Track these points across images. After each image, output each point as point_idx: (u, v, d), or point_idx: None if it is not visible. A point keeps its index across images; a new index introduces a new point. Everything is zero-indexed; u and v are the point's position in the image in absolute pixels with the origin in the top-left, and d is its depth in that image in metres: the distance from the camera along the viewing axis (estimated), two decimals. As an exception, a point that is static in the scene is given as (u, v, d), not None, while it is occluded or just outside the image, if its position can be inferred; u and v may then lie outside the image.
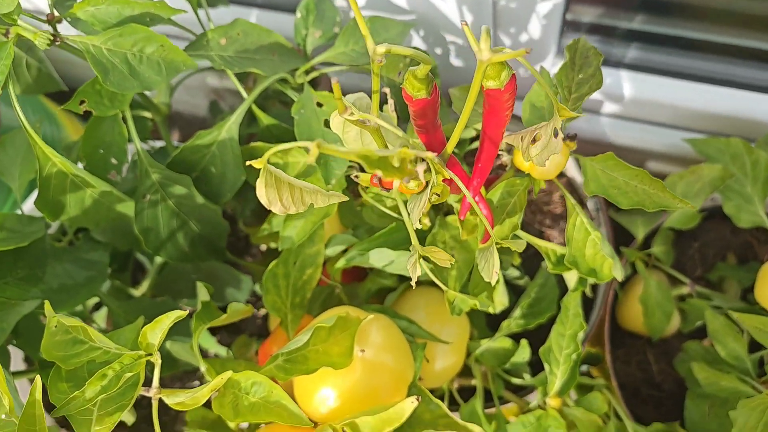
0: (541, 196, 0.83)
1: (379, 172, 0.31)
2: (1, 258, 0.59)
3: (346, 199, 0.41)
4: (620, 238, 0.83)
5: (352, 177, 0.55)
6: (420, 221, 0.61)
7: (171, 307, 0.70)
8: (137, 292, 0.80)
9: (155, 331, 0.45)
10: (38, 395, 0.42)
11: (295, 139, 0.61)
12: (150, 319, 0.68)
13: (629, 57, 0.81)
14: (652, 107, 0.84)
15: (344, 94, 0.45)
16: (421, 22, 0.73)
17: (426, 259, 0.59)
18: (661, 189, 0.51)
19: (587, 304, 0.81)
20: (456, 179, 0.42)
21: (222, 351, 0.83)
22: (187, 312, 0.45)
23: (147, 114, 0.71)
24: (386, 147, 0.45)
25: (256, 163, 0.34)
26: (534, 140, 0.43)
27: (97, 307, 0.84)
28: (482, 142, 0.50)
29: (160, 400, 0.47)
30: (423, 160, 0.36)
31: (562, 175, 0.84)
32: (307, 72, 0.66)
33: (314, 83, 0.71)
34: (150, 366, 0.47)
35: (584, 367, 0.85)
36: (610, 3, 0.79)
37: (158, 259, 0.79)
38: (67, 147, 0.76)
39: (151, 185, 0.62)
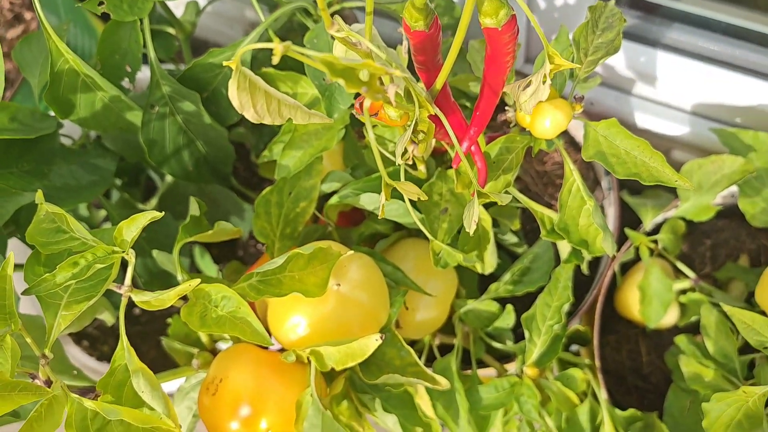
0: (555, 168, 0.82)
1: (341, 81, 0.30)
2: (10, 148, 0.61)
3: (329, 120, 0.41)
4: (631, 223, 0.81)
5: (353, 111, 0.55)
6: (416, 168, 0.60)
7: (170, 224, 0.72)
8: (145, 208, 0.81)
9: (130, 228, 0.46)
10: (9, 270, 0.43)
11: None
12: (148, 233, 0.70)
13: (668, 37, 0.78)
14: (684, 93, 0.81)
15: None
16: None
17: (415, 207, 0.59)
18: (661, 162, 0.50)
19: (585, 283, 0.80)
20: (441, 116, 0.42)
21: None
22: (162, 214, 0.45)
23: (171, 30, 0.71)
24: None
25: (228, 63, 0.34)
26: (527, 86, 0.42)
27: (107, 218, 0.86)
28: (482, 89, 0.49)
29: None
30: (401, 85, 0.36)
31: (571, 141, 0.82)
32: (329, 4, 0.66)
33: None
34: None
35: (574, 347, 0.84)
36: (658, -21, 0.76)
37: (168, 178, 0.80)
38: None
39: (160, 97, 0.63)
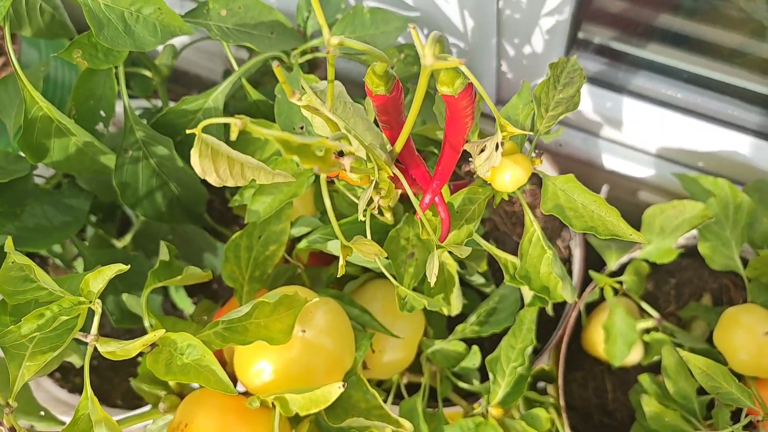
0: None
1: (296, 158, 0.32)
2: (-18, 191, 0.62)
3: (292, 179, 0.42)
4: (596, 264, 0.83)
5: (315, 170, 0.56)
6: (383, 215, 0.62)
7: (142, 263, 0.73)
8: (119, 244, 0.82)
9: (97, 280, 0.47)
10: (-25, 322, 0.44)
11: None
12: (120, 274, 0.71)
13: (634, 84, 0.81)
14: (649, 137, 0.84)
15: (340, 79, 0.46)
16: (423, 20, 0.73)
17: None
18: (616, 217, 0.51)
19: (553, 320, 0.82)
20: (400, 176, 0.43)
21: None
22: (128, 267, 0.46)
23: (148, 73, 0.73)
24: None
25: (191, 131, 0.35)
26: (482, 151, 0.43)
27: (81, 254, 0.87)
28: (443, 146, 0.51)
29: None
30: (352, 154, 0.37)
31: (539, 183, 0.84)
32: (303, 53, 0.67)
33: (311, 66, 0.73)
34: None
35: (542, 384, 0.86)
36: (624, 28, 0.79)
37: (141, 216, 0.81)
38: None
39: (134, 141, 0.64)
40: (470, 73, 0.37)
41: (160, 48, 0.76)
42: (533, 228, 0.57)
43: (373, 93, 0.44)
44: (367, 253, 0.42)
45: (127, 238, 0.82)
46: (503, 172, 0.53)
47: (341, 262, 0.42)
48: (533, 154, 0.56)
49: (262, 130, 0.32)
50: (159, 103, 0.83)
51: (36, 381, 0.92)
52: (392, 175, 0.44)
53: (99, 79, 0.63)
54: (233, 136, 0.32)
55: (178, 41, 0.79)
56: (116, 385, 0.92)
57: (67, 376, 0.93)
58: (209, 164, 0.38)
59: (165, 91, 0.74)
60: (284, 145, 0.32)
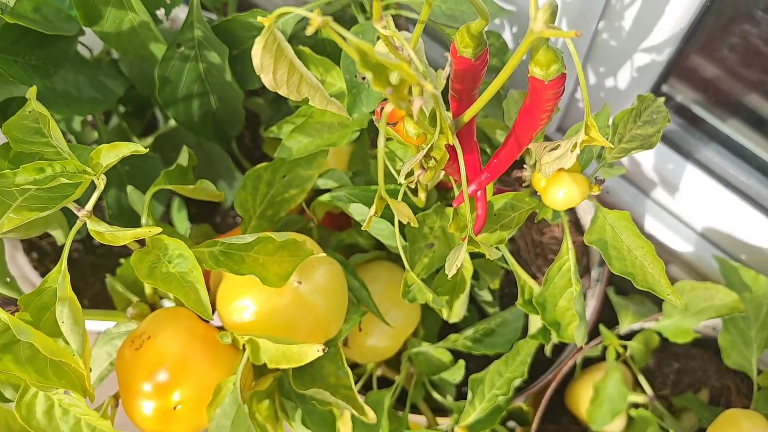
0: (552, 242, 0.80)
1: (369, 75, 0.28)
2: (23, 38, 0.59)
3: (347, 115, 0.39)
4: (607, 322, 0.79)
5: (374, 120, 0.53)
6: (416, 195, 0.58)
7: (156, 165, 0.69)
8: (139, 142, 0.79)
9: (109, 154, 0.43)
10: (-29, 154, 0.41)
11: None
12: (132, 168, 0.67)
13: (702, 154, 0.77)
14: (699, 213, 0.79)
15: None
16: (516, 18, 0.70)
17: (402, 233, 0.57)
18: (660, 271, 0.48)
19: (543, 364, 0.78)
20: (458, 150, 0.39)
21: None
22: (147, 150, 0.43)
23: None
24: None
25: (263, 19, 0.32)
26: (554, 149, 0.40)
27: (98, 141, 0.84)
28: (508, 137, 0.47)
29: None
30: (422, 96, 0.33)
31: (575, 221, 0.81)
32: (386, 7, 0.64)
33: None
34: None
35: (512, 424, 0.82)
36: (710, 95, 0.75)
37: (171, 122, 0.78)
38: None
39: (190, 39, 0.60)
40: (578, 59, 0.33)
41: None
42: (567, 257, 0.53)
43: (458, 53, 0.41)
44: (401, 213, 0.38)
45: (149, 140, 0.78)
46: (559, 187, 0.49)
47: (372, 213, 0.39)
48: (592, 181, 0.52)
49: (346, 33, 0.28)
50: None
51: (12, 254, 0.89)
52: (451, 144, 0.40)
53: (176, -37, 0.60)
54: (310, 30, 0.29)
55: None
56: (89, 284, 0.89)
57: (43, 260, 0.90)
58: (270, 61, 0.34)
59: (235, 4, 0.71)
60: (362, 56, 0.28)
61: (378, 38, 0.58)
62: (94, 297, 0.88)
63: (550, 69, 0.38)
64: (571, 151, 0.37)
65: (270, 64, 0.34)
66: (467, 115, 0.41)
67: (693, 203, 0.79)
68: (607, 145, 0.38)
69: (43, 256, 0.90)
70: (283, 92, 0.36)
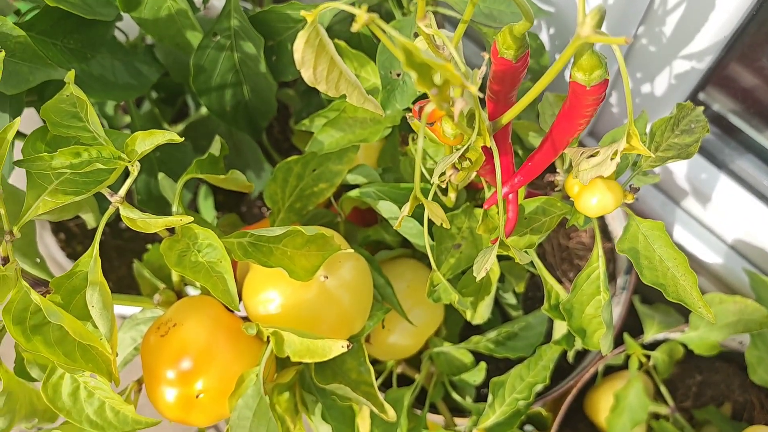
0: (578, 247, 0.79)
1: (413, 75, 0.28)
2: (62, 21, 0.59)
3: (382, 113, 0.38)
4: (631, 330, 0.78)
5: (407, 117, 0.52)
6: (446, 194, 0.58)
7: (187, 153, 0.70)
8: (170, 129, 0.79)
9: (145, 142, 0.43)
10: (10, 135, 0.41)
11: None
12: (163, 154, 0.68)
13: (737, 165, 0.75)
14: (731, 224, 0.78)
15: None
16: (554, 19, 0.69)
17: (430, 232, 0.57)
18: (692, 283, 0.47)
19: (565, 370, 0.77)
20: (495, 152, 0.39)
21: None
22: (182, 139, 0.43)
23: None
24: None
25: (306, 14, 0.32)
26: (592, 156, 0.39)
27: (129, 126, 0.84)
28: (544, 141, 0.47)
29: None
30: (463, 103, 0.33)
31: (603, 228, 0.80)
32: (426, 3, 0.63)
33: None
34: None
35: (529, 428, 0.81)
36: (748, 105, 0.73)
37: (203, 110, 0.78)
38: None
39: (226, 28, 0.61)
40: (624, 66, 0.33)
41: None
42: (597, 264, 0.53)
43: (499, 54, 0.40)
44: (434, 214, 0.38)
45: (179, 127, 0.79)
46: (592, 194, 0.49)
47: (405, 212, 0.38)
48: (627, 188, 0.51)
49: (391, 31, 0.28)
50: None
51: (40, 234, 0.90)
52: (488, 146, 0.39)
53: (216, -47, 0.59)
54: (356, 27, 0.28)
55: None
56: (115, 268, 0.90)
57: (70, 241, 0.91)
58: (311, 56, 0.34)
59: (272, -3, 0.71)
60: (408, 55, 0.28)
61: (416, 35, 0.57)
62: (119, 280, 0.89)
63: (593, 74, 0.37)
64: (611, 159, 0.37)
65: (311, 59, 0.34)
66: (506, 118, 0.41)
67: (725, 214, 0.78)
68: (648, 154, 0.37)
69: (71, 237, 0.91)
70: (321, 88, 0.36)
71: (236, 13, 0.60)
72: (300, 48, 0.33)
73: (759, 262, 0.78)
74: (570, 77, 0.39)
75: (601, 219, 0.80)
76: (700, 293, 0.47)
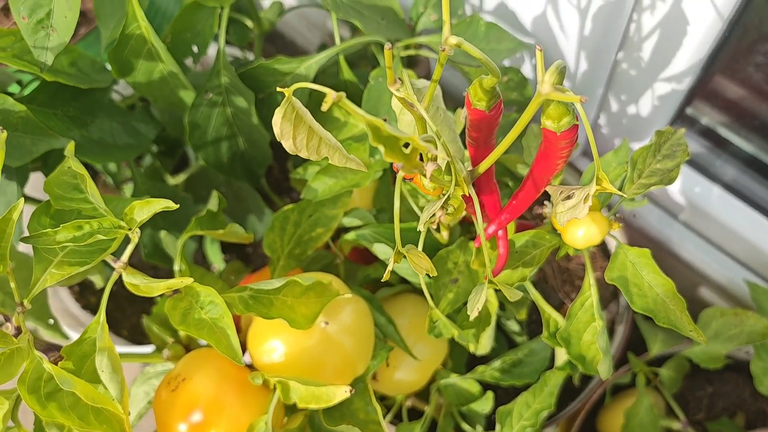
0: (579, 269, 0.80)
1: (381, 149, 0.30)
2: (61, 91, 0.62)
3: (364, 169, 0.40)
4: (637, 347, 0.78)
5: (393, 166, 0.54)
6: (440, 232, 0.59)
7: (189, 207, 0.72)
8: (172, 181, 0.82)
9: (143, 210, 0.45)
10: (15, 215, 0.43)
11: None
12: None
13: (729, 176, 0.76)
14: (729, 235, 0.79)
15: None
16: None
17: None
18: (681, 309, 0.48)
19: (574, 390, 0.78)
20: (475, 200, 0.41)
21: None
22: (177, 206, 0.45)
23: (249, 23, 0.72)
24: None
25: (282, 90, 0.34)
26: (567, 198, 0.40)
27: (132, 179, 0.87)
28: (525, 180, 0.48)
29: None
30: (436, 160, 0.35)
31: (603, 249, 0.81)
32: (406, 47, 0.65)
33: (410, 62, 0.71)
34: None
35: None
36: (736, 117, 0.75)
37: (202, 162, 0.81)
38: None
39: (217, 85, 0.63)
40: (584, 114, 0.34)
41: (267, 2, 0.75)
42: (589, 293, 0.54)
43: (473, 106, 0.42)
44: (418, 266, 0.40)
45: (181, 178, 0.81)
46: (578, 227, 0.50)
47: (390, 267, 0.40)
48: (612, 217, 0.53)
49: (357, 110, 0.30)
50: (250, 56, 0.83)
51: (54, 289, 0.92)
52: (467, 194, 0.41)
53: (202, 15, 0.62)
54: (325, 107, 0.30)
55: (288, 0, 0.78)
56: (128, 315, 0.92)
57: (84, 293, 0.93)
58: (289, 128, 0.36)
59: (261, 46, 0.73)
60: (374, 131, 0.30)
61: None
62: (133, 328, 0.91)
63: (561, 122, 0.39)
64: (584, 203, 0.38)
65: (290, 131, 0.36)
66: (482, 167, 0.42)
67: (721, 225, 0.79)
68: (619, 194, 0.39)
69: (84, 289, 0.93)
70: (303, 155, 0.38)
71: (226, 71, 0.62)
72: (278, 122, 0.35)
73: (759, 269, 0.79)
74: (542, 125, 0.40)
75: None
76: (690, 317, 0.48)
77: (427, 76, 0.86)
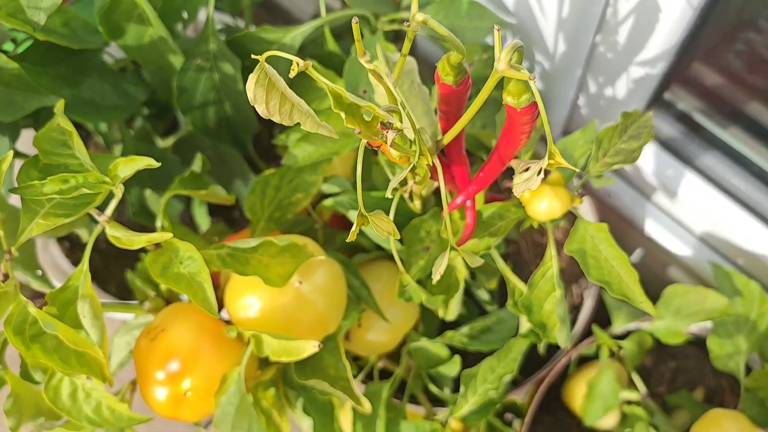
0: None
1: (342, 115, 0.32)
2: (53, 50, 0.64)
3: (335, 136, 0.42)
4: (605, 321, 0.82)
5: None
6: (413, 201, 0.62)
7: (175, 168, 0.74)
8: (161, 143, 0.84)
9: (126, 167, 0.48)
10: (4, 166, 0.46)
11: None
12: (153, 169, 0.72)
13: (702, 161, 0.79)
14: (698, 218, 0.82)
15: (421, 61, 0.46)
16: (517, 30, 0.72)
17: (401, 240, 0.61)
18: (633, 281, 0.51)
19: (542, 360, 0.81)
20: (439, 169, 0.43)
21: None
22: (159, 164, 0.47)
23: (240, -9, 0.74)
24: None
25: (257, 57, 0.36)
26: (525, 170, 0.43)
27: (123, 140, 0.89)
28: (492, 154, 0.51)
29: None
30: (400, 130, 0.37)
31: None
32: (391, 21, 0.67)
33: (396, 36, 0.73)
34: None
35: (510, 416, 0.85)
36: (712, 103, 0.77)
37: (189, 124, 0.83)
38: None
39: (205, 51, 0.65)
40: (538, 93, 0.37)
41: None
42: (551, 263, 0.57)
43: (441, 80, 0.44)
44: (380, 229, 0.42)
45: (170, 141, 0.83)
46: (540, 200, 0.53)
47: (354, 229, 0.42)
48: (576, 193, 0.55)
49: (320, 77, 0.32)
50: (241, 24, 0.84)
51: (45, 243, 0.95)
52: (431, 164, 0.43)
53: (193, -19, 0.64)
54: (292, 74, 0.33)
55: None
56: (115, 273, 0.95)
57: (74, 249, 0.96)
58: (262, 93, 0.38)
59: (251, 14, 0.75)
60: (336, 98, 0.32)
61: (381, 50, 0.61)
62: (120, 285, 0.94)
63: (521, 98, 0.41)
64: (537, 176, 0.41)
65: (262, 96, 0.38)
66: (446, 138, 0.45)
67: (692, 208, 0.81)
68: (572, 169, 0.41)
69: (74, 245, 0.96)
70: (276, 119, 0.40)
71: (214, 38, 0.64)
72: (251, 87, 0.37)
73: (725, 251, 0.82)
74: (503, 101, 0.43)
75: (572, 216, 0.84)
76: (642, 289, 0.51)
77: (414, 52, 0.87)
